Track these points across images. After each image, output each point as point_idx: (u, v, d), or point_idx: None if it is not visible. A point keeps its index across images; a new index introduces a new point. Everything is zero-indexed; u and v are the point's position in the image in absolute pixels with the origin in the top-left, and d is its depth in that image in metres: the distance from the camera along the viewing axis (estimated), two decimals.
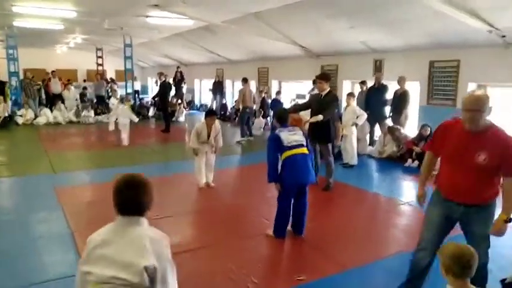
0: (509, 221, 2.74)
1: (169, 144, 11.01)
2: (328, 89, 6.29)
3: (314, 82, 10.86)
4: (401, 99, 8.98)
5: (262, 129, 12.67)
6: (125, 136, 10.06)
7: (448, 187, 2.91)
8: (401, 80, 8.91)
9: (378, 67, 10.05)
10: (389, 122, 9.31)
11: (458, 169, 2.81)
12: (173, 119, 14.81)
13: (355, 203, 6.09)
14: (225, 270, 3.73)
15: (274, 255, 4.19)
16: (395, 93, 9.13)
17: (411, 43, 8.84)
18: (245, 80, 11.49)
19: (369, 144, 9.44)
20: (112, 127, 11.75)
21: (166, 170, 7.94)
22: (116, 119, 10.26)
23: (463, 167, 2.79)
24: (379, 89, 9.38)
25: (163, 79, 12.83)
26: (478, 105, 2.64)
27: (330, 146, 6.55)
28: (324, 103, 6.24)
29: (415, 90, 9.18)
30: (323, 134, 6.27)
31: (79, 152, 9.45)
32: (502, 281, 3.46)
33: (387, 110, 9.36)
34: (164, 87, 12.77)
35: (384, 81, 9.45)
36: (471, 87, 8.16)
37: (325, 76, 6.44)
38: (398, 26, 8.33)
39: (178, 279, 1.95)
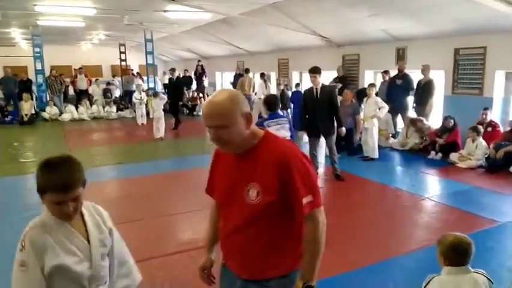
0: None
1: (189, 138, 11.05)
2: (321, 83, 6.37)
3: (337, 79, 10.75)
4: (425, 89, 8.66)
5: None
6: (161, 129, 10.36)
7: (221, 244, 1.87)
8: (425, 69, 8.59)
9: (400, 56, 9.72)
10: (412, 113, 9.03)
11: (229, 214, 1.77)
12: (195, 113, 14.88)
13: (374, 199, 5.93)
14: None
15: None
16: (419, 83, 8.83)
17: (435, 30, 8.48)
18: (246, 71, 12.22)
19: (392, 136, 9.17)
20: (140, 121, 12.00)
21: (186, 164, 7.95)
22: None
23: (233, 210, 1.74)
24: (402, 78, 9.09)
25: (176, 75, 12.78)
26: (218, 118, 1.60)
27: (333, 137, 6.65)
28: (321, 100, 6.29)
29: (439, 79, 8.83)
30: (328, 127, 6.40)
31: (100, 148, 9.61)
32: None
33: (410, 100, 9.07)
34: (175, 84, 12.59)
35: (407, 71, 9.15)
36: (499, 75, 7.78)
37: (317, 69, 6.38)
38: (420, 12, 8.00)
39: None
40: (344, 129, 6.59)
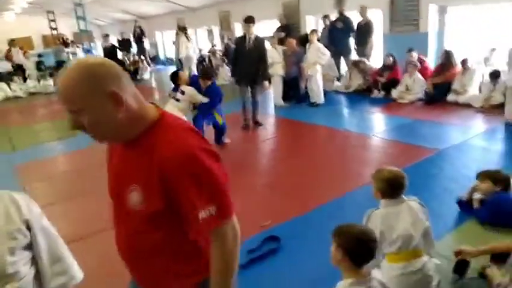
0: None
1: None
2: (255, 34, 6.50)
3: (280, 29, 10.55)
4: (364, 30, 8.78)
5: (228, 78, 12.32)
6: None
7: (118, 250, 1.50)
8: (362, 10, 8.66)
9: None
10: (354, 55, 9.17)
11: (118, 216, 1.45)
12: (138, 77, 14.33)
13: (323, 142, 6.09)
14: None
15: (237, 206, 4.11)
16: (358, 24, 8.91)
17: None
18: (180, 28, 11.56)
19: (336, 80, 9.31)
20: None
21: None
22: None
23: (121, 213, 1.41)
24: (342, 21, 9.11)
25: (109, 41, 12.07)
26: (66, 100, 1.22)
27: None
28: (252, 50, 6.40)
29: (378, 18, 8.94)
30: (255, 78, 6.56)
31: (43, 124, 9.11)
32: (458, 201, 3.54)
33: (352, 42, 9.17)
34: (109, 51, 11.92)
35: (347, 13, 9.16)
36: (432, 8, 7.98)
37: (251, 19, 6.46)
38: None
39: None
40: (267, 83, 6.78)
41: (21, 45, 15.94)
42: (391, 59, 7.98)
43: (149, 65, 15.89)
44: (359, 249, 1.82)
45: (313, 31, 8.34)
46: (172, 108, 5.26)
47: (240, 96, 6.74)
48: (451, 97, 7.00)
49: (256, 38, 6.47)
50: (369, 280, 1.82)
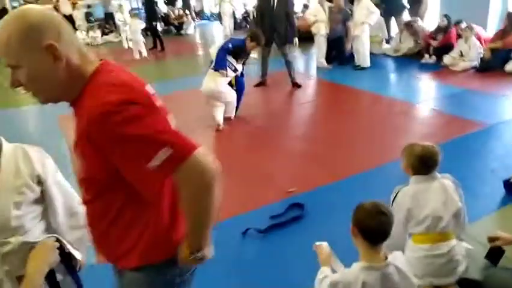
0: (200, 258, 1.28)
1: (179, 59, 10.70)
2: None
3: None
4: None
5: None
6: (143, 50, 10.51)
7: None
8: None
9: None
10: (407, 15, 8.55)
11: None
12: (182, 31, 14.28)
13: (364, 109, 5.83)
14: None
15: (265, 169, 4.05)
16: None
17: None
18: None
19: (386, 42, 8.77)
20: (126, 44, 11.61)
21: (176, 86, 7.76)
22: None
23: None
24: None
25: None
26: (4, 53, 1.12)
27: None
28: (277, 8, 6.25)
29: None
30: (283, 37, 6.42)
31: None
32: (506, 182, 3.28)
33: (405, 1, 8.53)
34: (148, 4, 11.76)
35: None
36: None
37: None
38: None
39: None
40: (296, 40, 6.65)
41: None
42: (446, 21, 7.35)
43: (194, 19, 15.74)
44: (370, 223, 1.67)
45: None
46: (217, 79, 5.03)
47: (261, 54, 6.62)
48: (509, 66, 6.39)
49: None
50: (385, 266, 1.70)
